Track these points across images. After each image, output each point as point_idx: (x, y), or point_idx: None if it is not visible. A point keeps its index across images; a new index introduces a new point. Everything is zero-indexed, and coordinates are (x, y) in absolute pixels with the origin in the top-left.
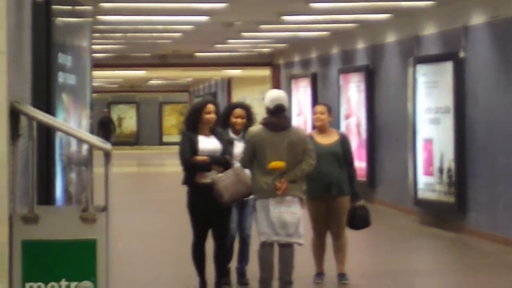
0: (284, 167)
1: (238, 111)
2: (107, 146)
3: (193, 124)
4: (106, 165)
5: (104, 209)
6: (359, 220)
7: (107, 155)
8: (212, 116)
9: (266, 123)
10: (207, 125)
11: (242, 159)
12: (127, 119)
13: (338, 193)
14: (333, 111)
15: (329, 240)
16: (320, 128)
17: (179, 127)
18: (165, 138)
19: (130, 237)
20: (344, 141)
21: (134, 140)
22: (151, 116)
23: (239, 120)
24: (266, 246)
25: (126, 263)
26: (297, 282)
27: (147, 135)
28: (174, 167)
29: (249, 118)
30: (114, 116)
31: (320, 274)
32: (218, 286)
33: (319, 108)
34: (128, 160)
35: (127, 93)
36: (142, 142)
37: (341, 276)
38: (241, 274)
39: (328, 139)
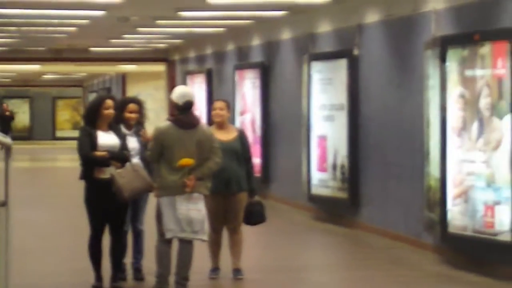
0: (193, 164)
1: (131, 106)
2: (8, 140)
3: (92, 120)
4: (6, 160)
5: (4, 204)
6: (255, 216)
7: (8, 150)
8: (110, 111)
9: (175, 120)
10: (106, 121)
11: (150, 155)
12: (20, 113)
13: (238, 189)
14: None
15: (224, 235)
16: (219, 124)
17: (72, 122)
18: (59, 133)
19: (25, 232)
20: (242, 137)
21: (27, 135)
22: (45, 111)
23: (133, 115)
24: (165, 242)
25: (21, 258)
26: (193, 277)
27: (40, 130)
28: (67, 162)
29: (142, 113)
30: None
31: (215, 269)
32: (114, 281)
33: (219, 104)
34: (21, 155)
35: (20, 88)
36: (35, 137)
37: (236, 271)
38: (137, 269)
39: (227, 135)
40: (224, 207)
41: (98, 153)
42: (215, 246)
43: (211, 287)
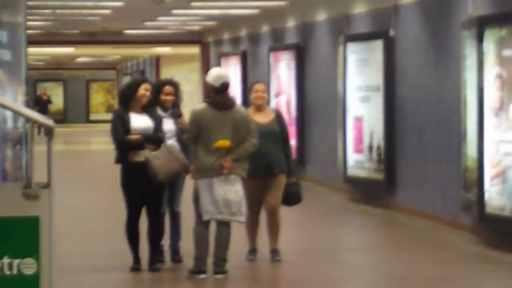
0: (230, 146)
1: (168, 88)
2: (50, 122)
3: (126, 102)
4: (49, 142)
5: (47, 185)
6: (293, 197)
7: (50, 132)
8: (146, 94)
9: (211, 102)
10: (140, 104)
11: (187, 137)
12: (54, 96)
13: (279, 171)
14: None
15: (262, 217)
16: (258, 107)
17: (106, 105)
18: (92, 116)
19: (63, 214)
20: (280, 119)
21: (61, 118)
22: (78, 94)
23: (169, 98)
24: (203, 224)
25: (59, 240)
26: (230, 259)
27: (74, 113)
28: (102, 145)
29: (177, 95)
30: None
31: (253, 251)
32: (152, 263)
33: (260, 86)
34: (55, 138)
35: (54, 71)
36: (69, 120)
37: (274, 252)
38: (175, 251)
39: (265, 118)
40: (263, 189)
41: (132, 137)
42: (252, 228)
43: (249, 269)
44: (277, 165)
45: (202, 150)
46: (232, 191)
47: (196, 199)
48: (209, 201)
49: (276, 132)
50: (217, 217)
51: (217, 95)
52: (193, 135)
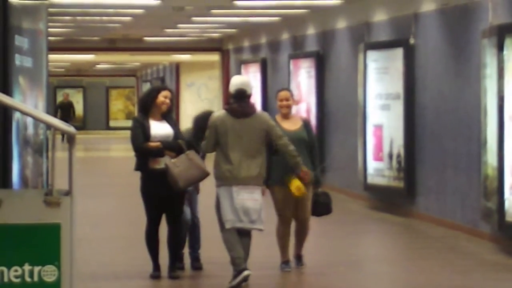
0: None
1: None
2: (72, 129)
3: (146, 109)
4: (70, 149)
5: (68, 193)
6: (321, 207)
7: (71, 139)
8: (167, 101)
9: (229, 109)
10: (160, 110)
11: (205, 144)
12: (74, 103)
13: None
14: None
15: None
16: (284, 115)
17: (125, 111)
18: (112, 123)
19: (83, 221)
20: (307, 126)
21: (80, 125)
22: (98, 101)
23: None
24: (227, 230)
25: (80, 247)
26: (264, 272)
27: (94, 120)
28: (121, 152)
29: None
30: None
31: (287, 262)
32: (172, 270)
33: (284, 94)
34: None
35: (74, 77)
36: (89, 126)
37: (298, 258)
38: (195, 258)
39: (293, 125)
40: (294, 198)
41: (152, 144)
42: (284, 239)
43: (272, 278)
44: None
45: (220, 158)
46: (250, 199)
47: (218, 207)
48: (229, 209)
49: (304, 139)
50: (238, 225)
51: (235, 102)
52: (212, 142)
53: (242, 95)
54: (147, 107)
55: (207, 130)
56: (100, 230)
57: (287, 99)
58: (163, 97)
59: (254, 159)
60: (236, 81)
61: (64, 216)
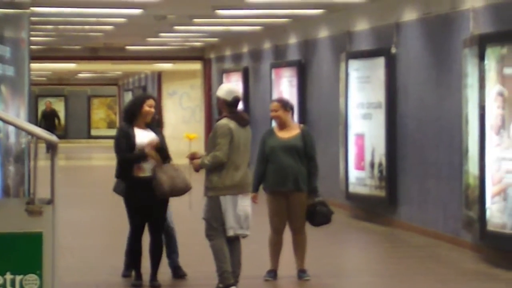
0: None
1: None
2: (54, 138)
3: (131, 117)
4: (52, 158)
5: (50, 202)
6: (318, 216)
7: (54, 148)
8: (151, 110)
9: (235, 117)
10: (144, 119)
11: (223, 153)
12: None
13: (294, 187)
14: (266, 105)
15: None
16: (279, 124)
17: (107, 120)
18: (94, 132)
19: (65, 230)
20: (305, 135)
21: (62, 134)
22: (79, 110)
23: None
24: (219, 238)
25: (61, 256)
26: (249, 280)
27: (75, 129)
28: (103, 160)
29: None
30: (41, 109)
31: (272, 271)
32: (153, 279)
33: (272, 105)
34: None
35: (55, 86)
36: (71, 135)
37: (302, 272)
38: (177, 266)
39: (288, 133)
40: (285, 206)
41: (142, 145)
42: (275, 247)
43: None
44: (292, 181)
45: (231, 167)
46: (249, 205)
47: (214, 216)
48: (233, 217)
49: (297, 147)
50: (238, 232)
51: (230, 110)
52: (229, 150)
53: (238, 103)
54: (132, 116)
55: (221, 139)
56: (82, 239)
57: (275, 110)
58: (148, 106)
59: (247, 166)
60: (232, 89)
61: (46, 225)
